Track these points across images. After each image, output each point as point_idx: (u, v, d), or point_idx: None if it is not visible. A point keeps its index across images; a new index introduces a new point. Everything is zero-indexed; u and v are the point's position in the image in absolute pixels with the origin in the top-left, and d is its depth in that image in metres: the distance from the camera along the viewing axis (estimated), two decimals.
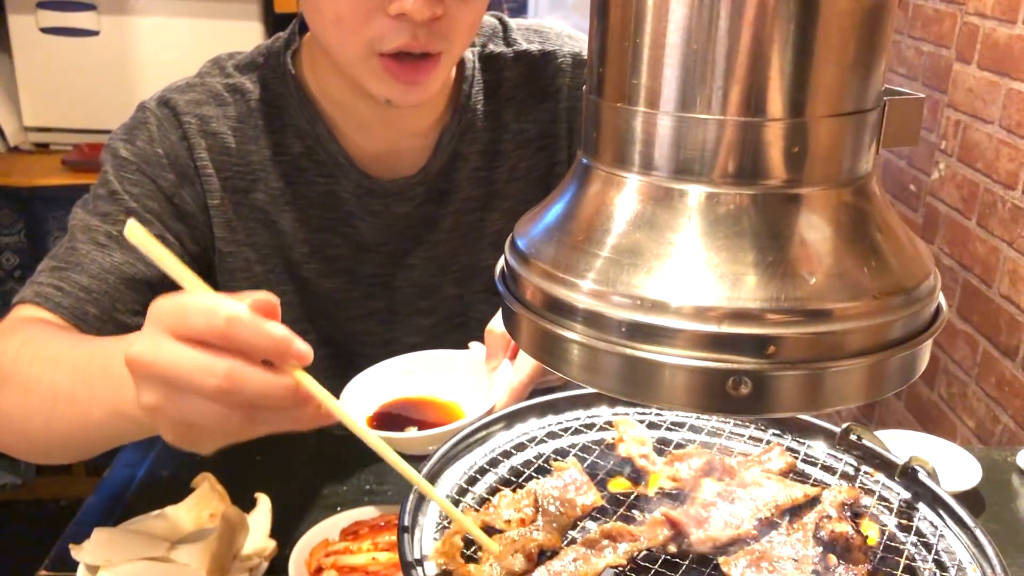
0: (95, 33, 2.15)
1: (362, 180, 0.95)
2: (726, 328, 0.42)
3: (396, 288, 1.01)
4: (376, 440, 0.58)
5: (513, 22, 1.04)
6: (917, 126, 0.50)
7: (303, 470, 0.97)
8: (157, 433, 0.61)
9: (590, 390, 0.84)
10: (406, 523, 0.61)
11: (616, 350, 0.45)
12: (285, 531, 0.84)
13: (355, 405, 0.83)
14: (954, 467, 1.02)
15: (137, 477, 0.98)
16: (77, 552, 0.80)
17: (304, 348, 0.54)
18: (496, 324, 0.85)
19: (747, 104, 0.43)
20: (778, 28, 0.42)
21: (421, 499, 0.65)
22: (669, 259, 0.44)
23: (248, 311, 0.53)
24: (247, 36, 2.10)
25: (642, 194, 0.46)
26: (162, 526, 0.86)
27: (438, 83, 0.86)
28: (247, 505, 0.86)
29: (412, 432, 0.80)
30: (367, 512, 0.86)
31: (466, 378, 0.86)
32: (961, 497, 0.96)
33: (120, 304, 0.85)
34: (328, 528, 0.85)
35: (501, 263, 0.53)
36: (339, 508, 0.88)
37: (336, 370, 0.93)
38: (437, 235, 1.00)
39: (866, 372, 0.45)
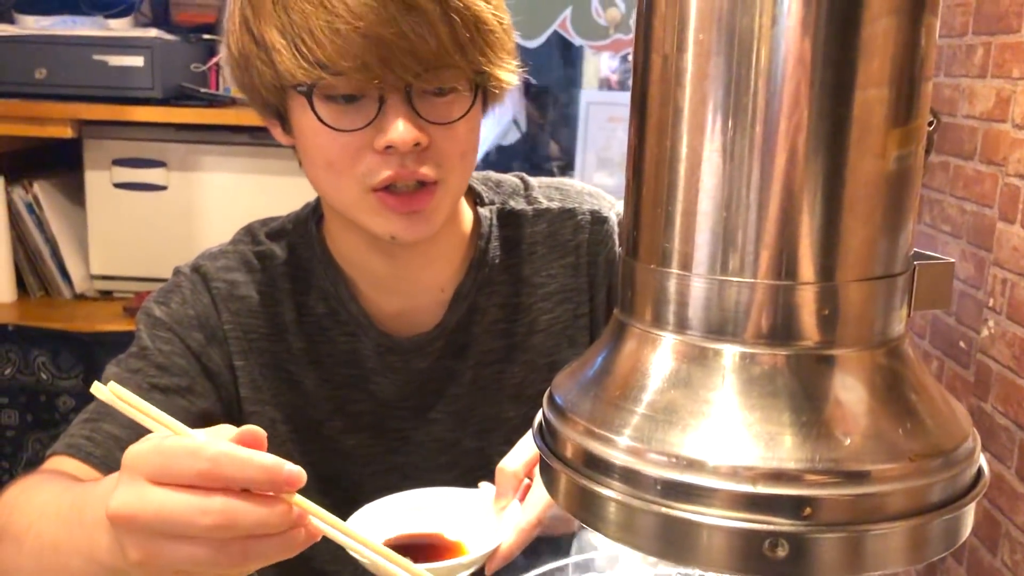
0: (164, 188, 2.27)
1: (381, 339, 0.97)
2: (761, 488, 0.42)
3: (417, 443, 1.01)
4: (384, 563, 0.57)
5: (535, 181, 1.08)
6: (948, 289, 0.51)
7: None
8: None
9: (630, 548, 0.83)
10: None
11: (652, 509, 0.45)
12: None
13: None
14: None
15: None
16: None
17: (295, 471, 0.54)
18: (507, 463, 0.84)
19: (777, 268, 0.44)
20: (806, 196, 0.44)
21: None
22: (705, 417, 0.45)
23: (231, 444, 0.54)
24: (303, 191, 2.19)
25: (677, 353, 0.47)
26: None
27: (438, 215, 0.88)
28: None
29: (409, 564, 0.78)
30: None
31: (474, 517, 0.85)
32: None
33: None
34: None
35: (539, 418, 0.54)
36: None
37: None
38: (457, 389, 1.01)
39: (907, 536, 0.44)
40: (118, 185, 2.26)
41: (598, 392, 0.49)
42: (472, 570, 0.80)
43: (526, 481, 0.84)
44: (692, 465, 0.44)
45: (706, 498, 0.43)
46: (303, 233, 1.00)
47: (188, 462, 0.53)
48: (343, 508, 0.90)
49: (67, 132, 2.15)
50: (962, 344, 1.85)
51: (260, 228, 1.02)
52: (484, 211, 1.02)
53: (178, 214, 2.27)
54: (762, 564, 0.43)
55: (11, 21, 2.18)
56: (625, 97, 0.95)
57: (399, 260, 0.96)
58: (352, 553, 0.63)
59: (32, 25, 2.15)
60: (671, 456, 0.44)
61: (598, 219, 1.04)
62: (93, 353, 2.14)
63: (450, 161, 0.86)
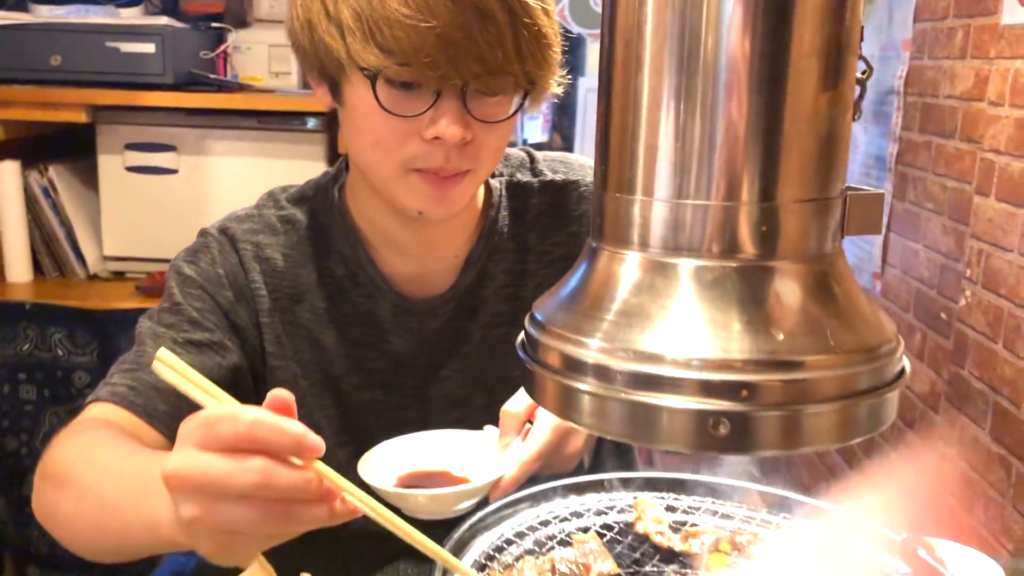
0: (174, 171, 2.35)
1: (398, 300, 1.04)
2: (707, 375, 0.50)
3: (429, 399, 1.08)
4: (396, 520, 0.65)
5: (540, 154, 1.15)
6: (879, 216, 0.59)
7: (345, 555, 1.02)
8: (190, 550, 0.66)
9: (613, 475, 0.90)
10: None
11: (620, 397, 0.52)
12: None
13: (374, 472, 0.89)
14: (976, 571, 1.03)
15: (192, 564, 1.05)
16: None
17: (317, 441, 0.60)
18: (511, 405, 0.92)
19: (724, 191, 0.52)
20: (749, 131, 0.51)
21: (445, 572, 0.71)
22: (663, 319, 0.52)
23: (267, 412, 0.59)
24: (309, 174, 2.26)
25: (640, 267, 0.54)
26: None
27: (465, 197, 0.95)
28: None
29: (422, 491, 0.86)
30: None
31: (480, 455, 0.93)
32: None
33: (186, 404, 0.94)
34: None
35: (522, 335, 0.62)
36: None
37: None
38: (467, 348, 1.07)
39: (835, 416, 0.52)
40: (130, 169, 2.34)
41: (572, 305, 0.57)
42: (477, 498, 0.87)
43: (528, 426, 0.92)
44: (652, 358, 0.52)
45: (664, 386, 0.51)
46: (324, 199, 1.06)
47: (229, 427, 0.58)
48: (357, 460, 0.96)
49: (81, 117, 2.23)
50: (943, 316, 1.93)
51: (282, 194, 1.09)
52: (494, 183, 1.09)
53: (188, 197, 2.35)
54: (709, 440, 0.51)
55: (26, 10, 2.26)
56: None
57: (419, 230, 1.02)
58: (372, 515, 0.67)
59: (47, 14, 2.23)
60: (635, 352, 0.52)
61: None
62: (107, 330, 2.21)
63: (486, 155, 0.93)
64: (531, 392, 0.60)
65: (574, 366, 0.55)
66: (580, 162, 1.15)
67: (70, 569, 2.27)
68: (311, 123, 2.31)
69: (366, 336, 1.05)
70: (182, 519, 0.60)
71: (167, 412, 0.91)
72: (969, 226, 1.79)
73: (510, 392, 1.06)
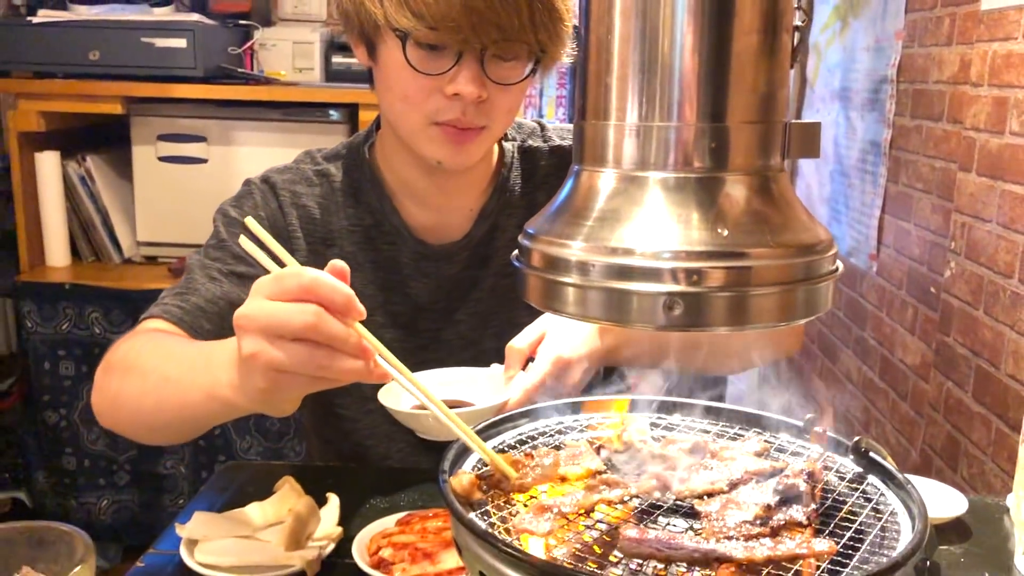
0: (204, 161, 2.48)
1: (418, 246, 1.16)
2: (664, 264, 0.61)
3: (445, 341, 1.19)
4: (425, 390, 0.77)
5: (551, 124, 1.27)
6: (817, 143, 0.69)
7: (368, 486, 1.13)
8: (241, 414, 0.80)
9: (607, 396, 1.01)
10: (445, 467, 0.79)
11: (598, 285, 0.64)
12: (350, 526, 1.00)
13: (391, 403, 1.00)
14: (945, 502, 1.12)
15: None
16: (181, 530, 0.97)
17: (361, 308, 0.71)
18: (515, 342, 1.03)
19: (683, 114, 0.63)
20: (703, 67, 0.62)
21: (460, 454, 0.82)
22: (633, 220, 0.64)
23: (326, 274, 0.71)
24: None
25: (616, 181, 0.66)
26: (250, 514, 1.03)
27: (480, 151, 1.07)
28: (320, 504, 1.04)
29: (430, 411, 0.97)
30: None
31: (487, 386, 1.04)
32: (949, 525, 1.08)
33: (228, 323, 1.06)
34: (386, 522, 1.01)
35: (516, 251, 0.73)
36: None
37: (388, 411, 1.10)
38: (479, 294, 1.19)
39: (774, 300, 0.63)
40: (162, 159, 2.48)
41: (557, 216, 0.68)
42: (487, 420, 0.96)
43: (531, 362, 1.03)
44: (625, 252, 0.63)
45: (632, 275, 0.62)
46: (355, 157, 1.19)
47: (293, 281, 0.70)
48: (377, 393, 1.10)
49: (117, 108, 2.37)
50: (932, 290, 2.03)
51: (318, 152, 1.22)
52: (508, 146, 1.21)
53: (217, 185, 2.48)
54: (668, 318, 0.62)
55: (66, 8, 2.40)
56: None
57: (439, 181, 1.14)
58: (400, 385, 0.79)
59: (85, 12, 2.37)
60: (609, 248, 0.63)
61: None
62: (142, 310, 2.31)
63: (499, 113, 1.05)
64: (523, 292, 0.71)
65: (560, 264, 0.66)
66: None
67: (105, 537, 2.40)
68: (333, 114, 2.44)
69: (389, 280, 1.17)
70: (244, 356, 0.71)
71: (210, 331, 1.03)
72: (953, 201, 1.89)
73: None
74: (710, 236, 0.62)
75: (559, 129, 1.26)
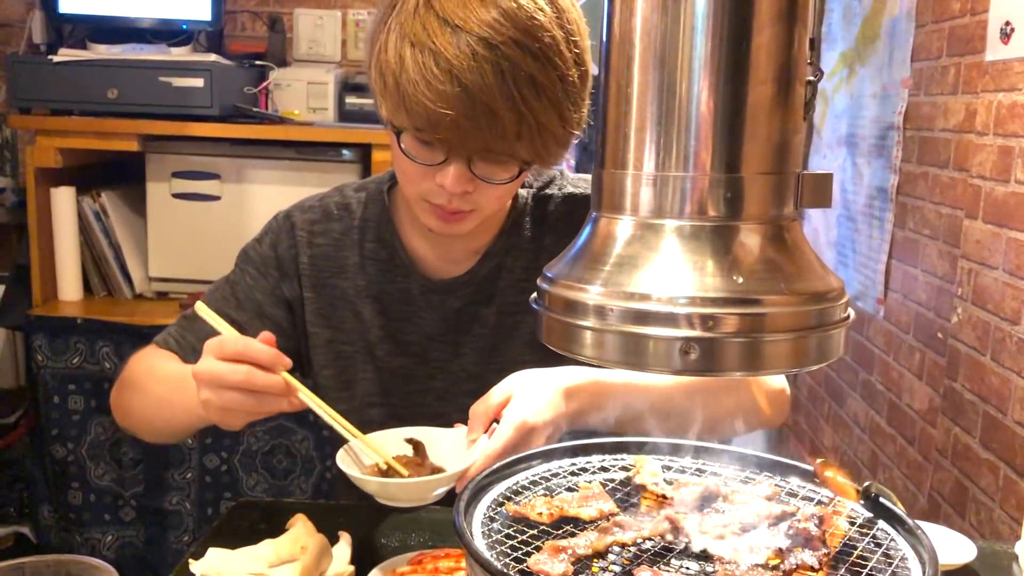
0: (218, 198, 2.51)
1: (424, 281, 1.21)
2: (680, 309, 0.63)
3: (452, 372, 1.22)
4: (323, 408, 0.99)
5: (570, 174, 1.31)
6: (829, 193, 0.71)
7: (373, 520, 1.14)
8: (209, 424, 1.03)
9: (617, 439, 1.02)
10: (460, 507, 0.80)
11: (615, 330, 0.65)
12: (362, 565, 1.00)
13: (356, 462, 1.02)
14: (953, 548, 1.12)
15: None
16: (194, 566, 0.98)
17: (285, 359, 0.96)
18: (477, 406, 1.04)
19: (699, 165, 0.65)
20: (719, 118, 0.64)
21: (475, 494, 0.83)
22: (650, 266, 0.65)
23: (255, 341, 0.95)
24: None
25: (633, 228, 0.67)
26: (264, 552, 1.04)
27: (470, 226, 1.12)
28: (332, 542, 1.04)
29: (397, 480, 0.98)
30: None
31: (451, 449, 1.04)
32: (958, 572, 1.08)
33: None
34: (398, 561, 1.02)
35: (535, 294, 0.74)
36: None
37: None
38: (482, 330, 1.22)
39: (787, 346, 0.64)
40: (176, 195, 2.51)
41: (575, 261, 0.70)
42: (446, 487, 0.98)
43: (495, 425, 1.03)
44: (640, 297, 0.64)
45: (649, 319, 0.64)
46: (377, 193, 1.25)
47: (231, 345, 0.95)
48: (389, 421, 1.14)
49: (133, 146, 2.41)
50: (939, 335, 2.04)
51: (349, 186, 1.29)
52: (523, 192, 1.25)
53: (230, 222, 2.51)
54: (682, 363, 0.63)
55: (86, 47, 2.45)
56: None
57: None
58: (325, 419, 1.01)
59: (104, 52, 2.41)
60: (626, 293, 0.65)
61: None
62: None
63: (486, 202, 1.09)
64: (542, 335, 0.72)
65: (577, 308, 0.68)
66: None
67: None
68: (346, 154, 2.47)
69: (402, 311, 1.22)
70: (200, 400, 0.97)
71: (195, 360, 1.11)
72: (960, 248, 1.91)
73: None
74: (725, 283, 0.63)
75: (575, 179, 1.30)
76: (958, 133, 2.02)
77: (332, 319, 1.22)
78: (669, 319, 0.63)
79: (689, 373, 0.65)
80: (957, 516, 1.84)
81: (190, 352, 1.18)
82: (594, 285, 0.67)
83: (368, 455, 1.02)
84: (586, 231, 0.72)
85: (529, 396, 1.03)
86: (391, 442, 1.04)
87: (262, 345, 0.95)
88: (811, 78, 0.69)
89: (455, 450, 1.03)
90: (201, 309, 1.04)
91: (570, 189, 1.27)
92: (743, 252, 0.65)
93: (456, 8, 0.96)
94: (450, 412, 1.17)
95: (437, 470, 1.02)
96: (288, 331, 1.22)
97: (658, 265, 0.65)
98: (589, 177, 1.31)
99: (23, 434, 2.52)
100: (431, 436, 1.06)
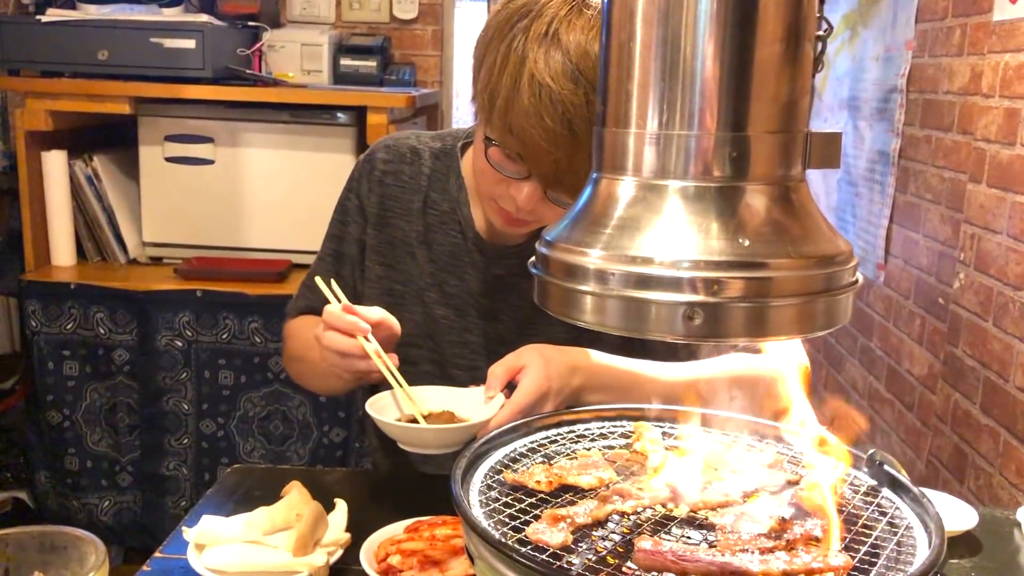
0: (211, 162, 2.48)
1: (477, 240, 1.25)
2: (684, 273, 0.61)
3: (487, 334, 1.26)
4: (395, 374, 1.08)
5: None
6: (838, 153, 0.69)
7: (376, 492, 1.13)
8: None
9: (618, 406, 1.01)
10: (457, 475, 0.79)
11: (616, 294, 0.63)
12: (358, 532, 1.00)
13: (384, 413, 1.09)
14: (955, 515, 1.12)
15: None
16: (188, 534, 0.97)
17: (364, 326, 1.07)
18: (497, 367, 1.09)
19: (704, 123, 0.62)
20: (724, 73, 0.62)
21: (472, 462, 0.82)
22: (652, 229, 0.63)
23: (342, 311, 1.08)
24: (340, 167, 2.39)
25: (635, 189, 0.65)
26: (258, 519, 1.03)
27: (528, 231, 1.19)
28: (328, 509, 1.03)
29: (423, 425, 1.07)
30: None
31: (469, 405, 1.11)
32: (959, 538, 1.08)
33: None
34: (394, 528, 1.01)
35: (533, 258, 0.72)
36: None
37: (434, 380, 1.21)
38: (520, 302, 1.25)
39: (794, 311, 0.62)
40: (169, 159, 2.48)
41: (575, 224, 0.68)
42: (466, 437, 1.03)
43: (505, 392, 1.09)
44: (643, 261, 0.62)
45: (652, 283, 0.62)
46: (450, 148, 1.29)
47: (328, 317, 1.08)
48: (426, 363, 1.27)
49: (125, 108, 2.37)
50: (940, 300, 2.02)
51: (426, 134, 1.33)
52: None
53: (224, 186, 2.48)
54: (686, 328, 0.61)
55: (75, 8, 2.40)
56: None
57: None
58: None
59: (94, 11, 2.37)
60: (628, 256, 0.63)
61: None
62: (146, 311, 2.34)
63: (550, 219, 1.10)
64: (541, 300, 0.70)
65: (578, 272, 0.65)
66: None
67: (106, 539, 2.39)
68: (341, 117, 2.43)
69: (450, 264, 1.27)
70: (318, 358, 1.12)
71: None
72: (963, 212, 1.88)
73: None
74: (730, 246, 0.61)
75: None
76: (963, 95, 1.99)
77: (388, 257, 1.28)
78: (672, 283, 0.61)
79: (693, 339, 0.63)
80: (956, 482, 1.84)
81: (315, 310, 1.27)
82: (595, 248, 0.64)
83: (394, 408, 1.13)
84: (587, 192, 0.69)
85: (544, 364, 1.09)
86: (431, 398, 1.14)
87: (343, 314, 1.08)
88: (820, 32, 0.67)
89: (473, 406, 1.10)
90: (311, 279, 1.24)
91: None
92: (749, 214, 0.63)
93: (578, 51, 1.00)
94: (483, 368, 1.20)
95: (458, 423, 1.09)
96: (354, 264, 1.31)
97: (661, 227, 0.63)
98: None
99: (19, 400, 2.51)
100: (452, 395, 1.14)
